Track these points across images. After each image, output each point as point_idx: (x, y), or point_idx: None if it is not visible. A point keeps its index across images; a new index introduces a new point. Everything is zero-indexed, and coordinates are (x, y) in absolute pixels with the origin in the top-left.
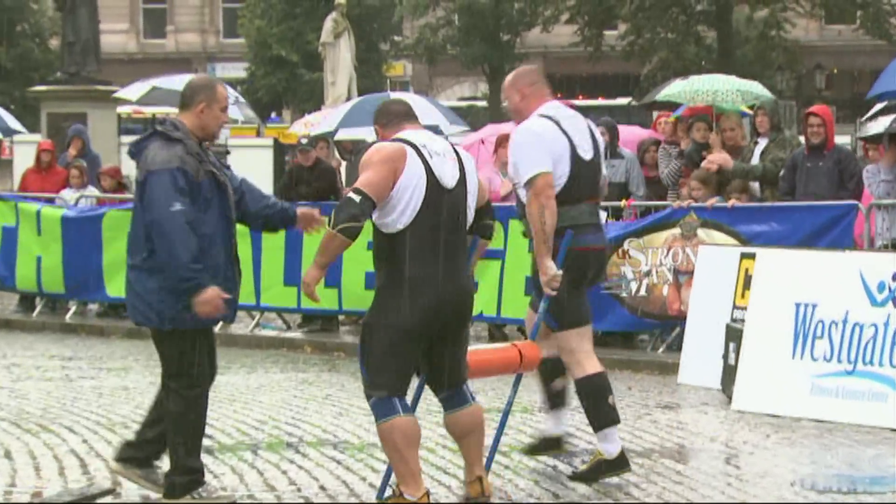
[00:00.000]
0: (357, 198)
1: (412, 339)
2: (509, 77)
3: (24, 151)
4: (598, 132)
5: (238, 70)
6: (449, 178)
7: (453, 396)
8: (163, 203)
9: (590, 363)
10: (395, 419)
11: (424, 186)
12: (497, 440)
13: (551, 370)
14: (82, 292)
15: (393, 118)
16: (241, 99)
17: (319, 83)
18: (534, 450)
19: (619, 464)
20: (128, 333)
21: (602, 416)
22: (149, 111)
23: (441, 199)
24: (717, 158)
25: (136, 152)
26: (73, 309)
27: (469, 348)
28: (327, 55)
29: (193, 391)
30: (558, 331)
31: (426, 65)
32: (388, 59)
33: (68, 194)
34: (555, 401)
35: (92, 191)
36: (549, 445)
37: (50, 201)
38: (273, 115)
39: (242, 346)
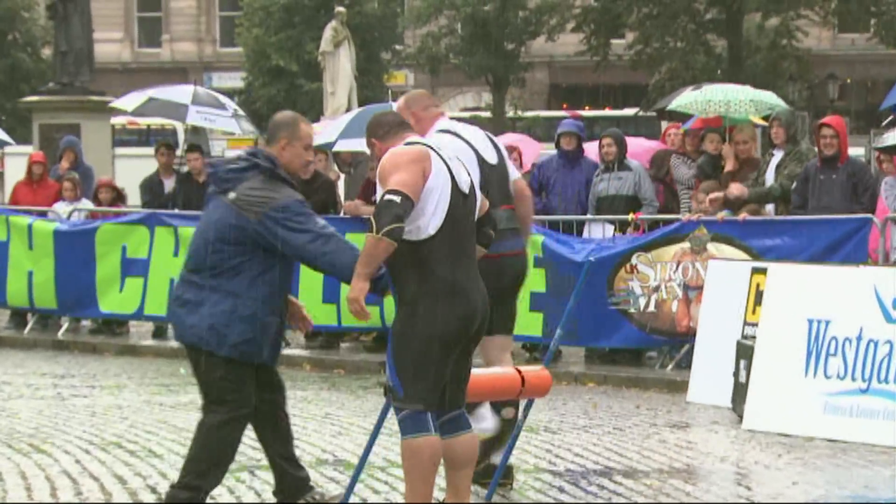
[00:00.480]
0: (397, 198)
1: (448, 348)
2: (401, 101)
3: (15, 164)
4: (498, 140)
5: (235, 80)
6: (464, 184)
7: (458, 419)
8: (317, 229)
9: None
10: (429, 437)
11: (449, 189)
12: (503, 464)
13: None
14: (75, 308)
15: (390, 129)
16: (240, 111)
17: (319, 93)
18: (481, 477)
19: None
20: (121, 351)
21: None
22: (144, 122)
23: (463, 204)
24: (734, 191)
25: (227, 179)
26: (66, 325)
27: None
28: (327, 65)
29: (230, 415)
30: None
31: (428, 74)
32: (389, 68)
33: (61, 207)
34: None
35: (86, 204)
36: (490, 472)
37: (42, 215)
38: None
39: None
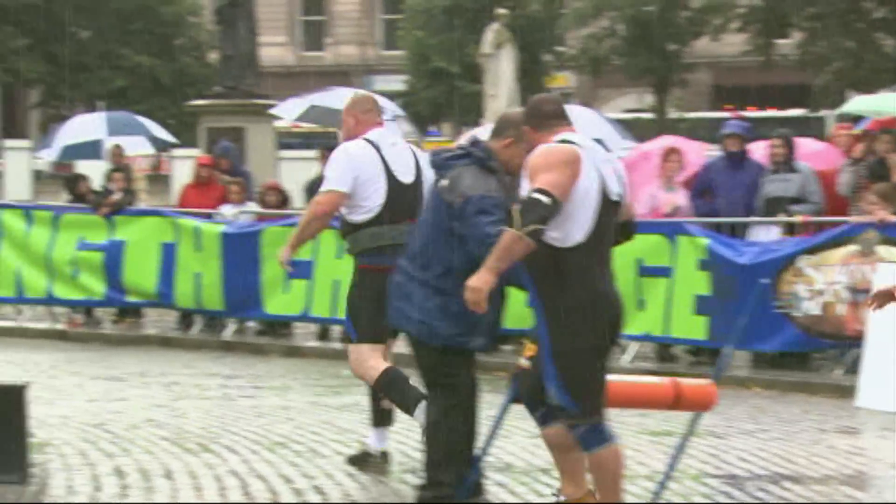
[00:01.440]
0: (546, 199)
1: (606, 355)
2: (347, 102)
3: (182, 167)
4: (423, 158)
5: (397, 83)
6: (614, 192)
7: (553, 410)
8: (490, 226)
9: (378, 363)
10: (612, 446)
11: (600, 195)
12: (670, 471)
13: None
14: (241, 310)
15: (545, 120)
16: (399, 112)
17: (479, 96)
18: (354, 461)
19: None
20: (287, 352)
21: (409, 397)
22: (307, 126)
23: (610, 211)
24: None
25: (442, 167)
26: (233, 327)
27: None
28: (488, 67)
29: (449, 401)
30: (356, 342)
31: (590, 76)
32: (550, 70)
33: (228, 210)
34: (379, 418)
35: (251, 206)
36: (365, 459)
37: (207, 217)
38: (431, 128)
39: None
